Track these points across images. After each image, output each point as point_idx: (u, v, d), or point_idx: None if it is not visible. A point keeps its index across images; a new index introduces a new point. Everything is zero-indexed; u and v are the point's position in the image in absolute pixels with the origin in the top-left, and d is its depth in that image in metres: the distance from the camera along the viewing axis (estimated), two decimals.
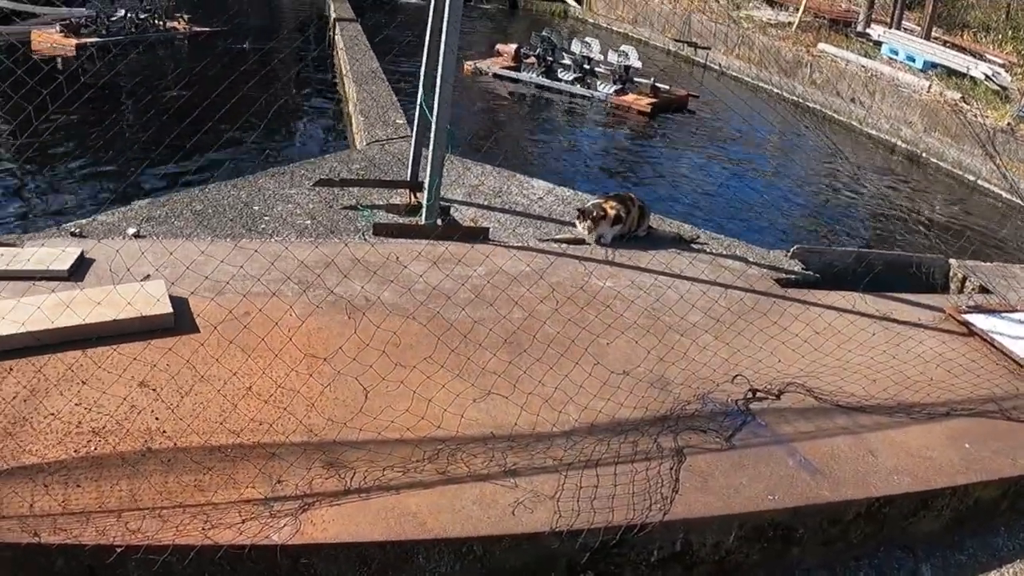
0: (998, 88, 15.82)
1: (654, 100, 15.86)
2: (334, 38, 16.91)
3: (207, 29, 17.74)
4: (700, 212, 10.84)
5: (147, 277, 5.12)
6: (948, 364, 5.41)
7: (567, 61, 16.80)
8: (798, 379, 4.97)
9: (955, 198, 13.80)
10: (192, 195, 6.89)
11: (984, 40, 20.18)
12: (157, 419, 3.93)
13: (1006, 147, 13.79)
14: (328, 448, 3.88)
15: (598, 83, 16.27)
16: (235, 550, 3.27)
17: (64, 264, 5.17)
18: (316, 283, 5.30)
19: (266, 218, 6.58)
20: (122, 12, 16.66)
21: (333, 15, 18.38)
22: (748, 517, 3.88)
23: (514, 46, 17.73)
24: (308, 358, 4.57)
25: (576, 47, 16.83)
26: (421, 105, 7.01)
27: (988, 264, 7.73)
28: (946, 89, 15.84)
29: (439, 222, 6.59)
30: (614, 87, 16.08)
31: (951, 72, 16.72)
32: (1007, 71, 16.83)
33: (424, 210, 6.56)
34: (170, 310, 4.73)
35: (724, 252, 6.92)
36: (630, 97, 15.96)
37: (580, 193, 8.08)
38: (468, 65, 17.10)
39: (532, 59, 17.18)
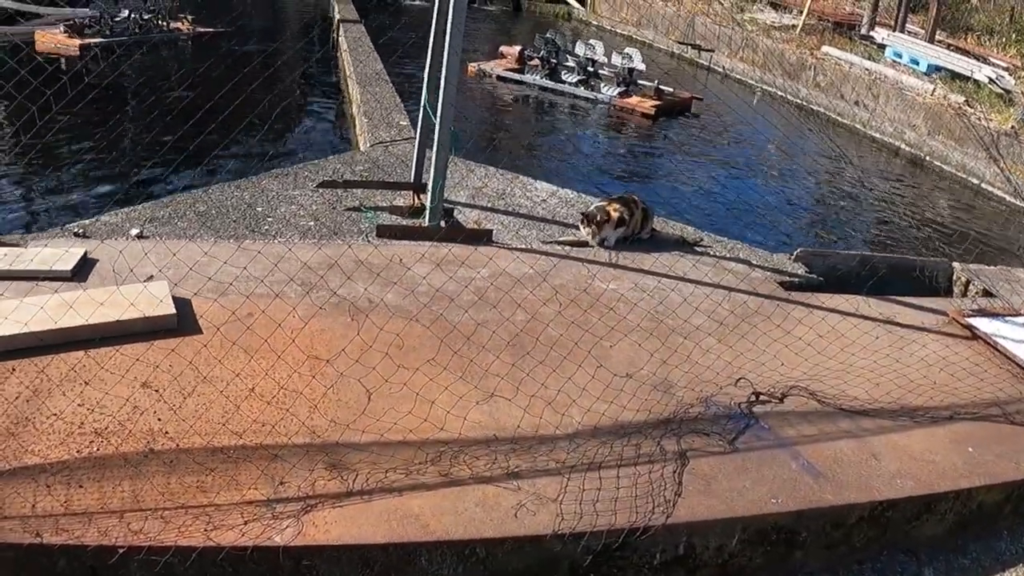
0: (1002, 91, 15.80)
1: (658, 103, 15.85)
2: (338, 39, 16.93)
3: (211, 30, 17.76)
4: (703, 215, 10.83)
5: (150, 278, 5.12)
6: (951, 368, 5.40)
7: (571, 63, 16.81)
8: (801, 382, 4.96)
9: (959, 201, 13.79)
10: (195, 196, 6.89)
11: (988, 43, 20.15)
12: (160, 420, 3.93)
13: (1010, 150, 13.77)
14: (331, 450, 3.88)
15: (602, 85, 16.27)
16: (237, 551, 3.26)
17: (67, 264, 5.18)
18: (319, 285, 5.30)
19: (269, 219, 6.58)
20: (126, 13, 16.70)
21: (337, 16, 18.41)
22: (751, 520, 3.87)
23: (518, 48, 17.74)
24: (311, 360, 4.56)
25: (580, 49, 16.84)
26: (425, 107, 7.01)
27: (992, 268, 7.71)
28: (950, 92, 15.83)
29: (443, 224, 6.59)
30: (618, 89, 16.08)
31: (955, 75, 16.70)
32: (1011, 74, 16.81)
33: (428, 212, 6.56)
34: (173, 311, 4.73)
35: (727, 255, 6.91)
36: (634, 99, 15.97)
37: (583, 195, 8.08)
38: (472, 67, 17.11)
39: (536, 61, 17.19)
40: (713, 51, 20.75)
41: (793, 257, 6.99)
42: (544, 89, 16.86)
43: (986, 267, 7.66)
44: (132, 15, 16.73)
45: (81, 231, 5.91)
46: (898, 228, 11.79)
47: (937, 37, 19.22)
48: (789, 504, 3.96)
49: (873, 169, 14.91)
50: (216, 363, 4.37)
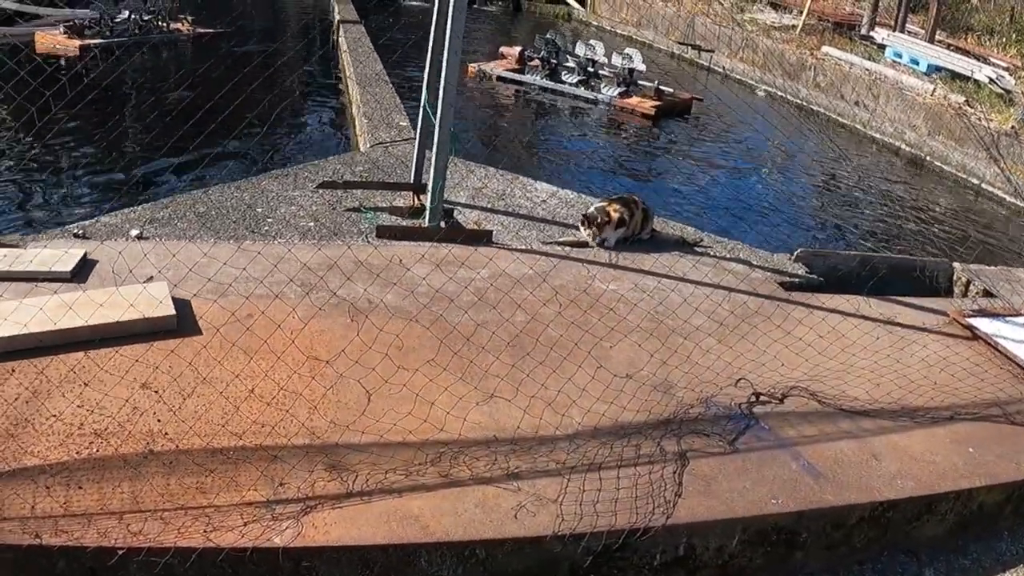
0: (1002, 91, 15.79)
1: (658, 103, 15.84)
2: (338, 40, 16.93)
3: (211, 31, 17.77)
4: (703, 215, 10.83)
5: (150, 279, 5.11)
6: (952, 368, 5.39)
7: (571, 64, 16.80)
8: (801, 383, 4.95)
9: (959, 201, 13.78)
10: (195, 197, 6.89)
11: (988, 43, 20.14)
12: (159, 421, 3.93)
13: (1010, 150, 13.77)
14: (330, 451, 3.87)
15: (602, 86, 16.26)
16: (237, 553, 3.26)
17: (67, 265, 5.18)
18: (319, 285, 5.29)
19: (269, 220, 6.58)
20: (126, 14, 16.70)
21: (337, 17, 18.41)
22: (751, 521, 3.87)
23: (518, 48, 17.74)
24: (311, 360, 4.56)
25: (580, 50, 16.83)
26: (424, 107, 7.01)
27: (992, 268, 7.71)
28: (950, 92, 15.82)
29: (442, 225, 6.59)
30: (618, 90, 16.07)
31: (955, 75, 16.69)
32: (1011, 74, 16.80)
33: (427, 212, 6.56)
34: (173, 312, 4.73)
35: (727, 255, 6.91)
36: (634, 100, 15.96)
37: (583, 196, 8.08)
38: (472, 67, 17.11)
39: (536, 61, 17.19)
40: (713, 51, 20.76)
41: (793, 257, 6.99)
42: (544, 90, 16.85)
43: (986, 267, 7.65)
44: (132, 16, 16.73)
45: (81, 232, 5.91)
46: (898, 228, 11.79)
47: (937, 37, 19.21)
48: (789, 505, 3.95)
49: (873, 169, 14.90)
50: (216, 364, 4.37)
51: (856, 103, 17.07)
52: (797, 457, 4.29)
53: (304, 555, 3.35)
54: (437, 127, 6.30)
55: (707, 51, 20.81)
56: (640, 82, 16.28)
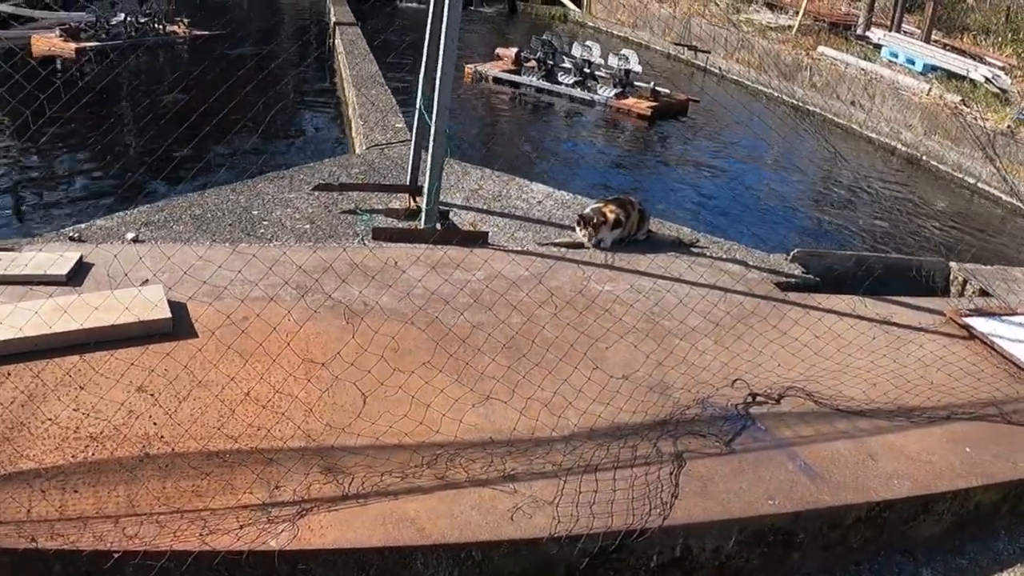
0: (998, 91, 15.82)
1: (654, 104, 15.85)
2: (334, 42, 16.93)
3: (207, 33, 17.75)
4: (700, 216, 10.84)
5: (145, 282, 5.11)
6: (948, 368, 5.40)
7: (567, 65, 16.80)
8: (798, 383, 4.96)
9: (955, 201, 13.79)
10: (191, 200, 6.88)
11: (984, 43, 20.17)
12: (155, 424, 3.93)
13: (1006, 150, 13.79)
14: (326, 453, 3.87)
15: (598, 87, 16.27)
16: (233, 556, 3.25)
17: (62, 269, 5.17)
18: (314, 288, 5.29)
19: (265, 222, 6.57)
20: (122, 16, 16.69)
21: (333, 19, 18.41)
22: (748, 522, 3.87)
23: (514, 50, 17.73)
24: (306, 363, 4.56)
25: (577, 51, 16.84)
26: (420, 109, 7.00)
27: (988, 267, 7.71)
28: (946, 92, 15.84)
29: (438, 226, 6.58)
30: (614, 91, 16.07)
31: (951, 75, 16.72)
32: (1007, 74, 16.83)
33: (423, 214, 6.56)
34: (168, 315, 4.73)
35: (724, 256, 6.91)
36: (630, 101, 15.96)
37: (579, 197, 8.07)
38: (468, 69, 17.11)
39: (532, 63, 17.19)
40: (709, 52, 20.76)
41: (789, 258, 6.99)
42: (540, 91, 16.85)
43: (982, 267, 7.66)
44: (128, 19, 16.72)
45: (77, 235, 5.91)
46: (895, 228, 11.80)
47: (933, 37, 19.25)
48: (786, 505, 3.95)
49: (869, 169, 14.91)
50: (211, 367, 4.37)
51: (852, 103, 17.09)
52: (794, 457, 4.29)
53: (300, 558, 3.34)
54: (433, 129, 6.29)
55: (703, 52, 20.82)
56: (636, 83, 16.29)
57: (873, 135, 16.26)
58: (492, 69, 17.31)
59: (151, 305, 4.74)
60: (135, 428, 3.88)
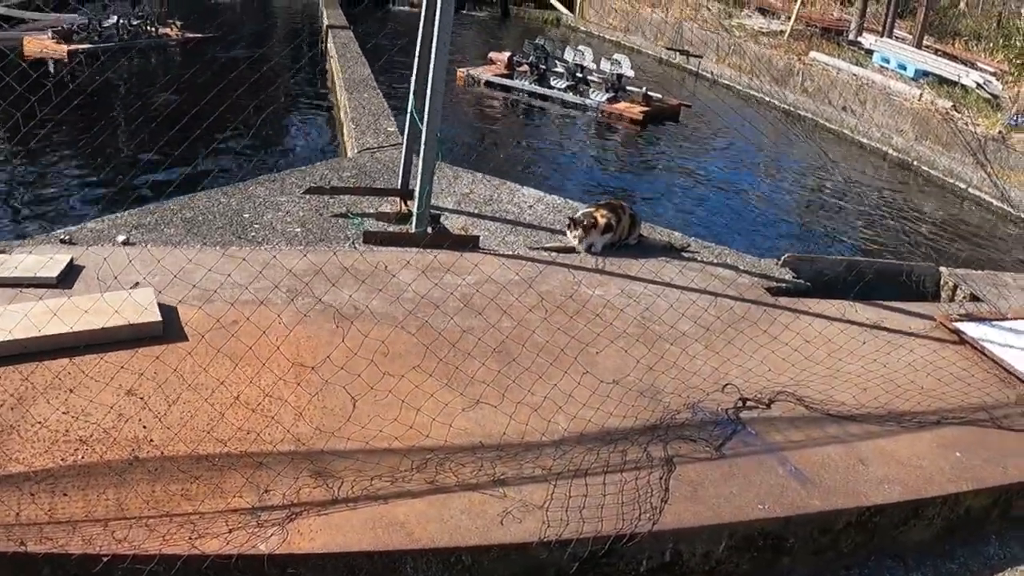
0: (989, 96, 15.89)
1: (646, 108, 15.88)
2: (326, 46, 16.92)
3: (199, 35, 17.74)
4: (691, 220, 10.86)
5: (136, 285, 5.10)
6: (939, 373, 5.41)
7: (560, 69, 16.82)
8: (788, 388, 4.96)
9: (946, 206, 13.84)
10: (182, 203, 6.87)
11: (975, 48, 20.28)
12: (144, 428, 3.92)
13: (997, 155, 13.84)
14: (316, 457, 3.86)
15: (591, 91, 16.29)
16: (222, 560, 3.24)
17: (53, 271, 5.16)
18: (305, 291, 5.28)
19: (256, 226, 6.56)
20: (114, 18, 16.67)
21: (325, 23, 18.41)
22: (738, 526, 3.87)
23: (507, 54, 17.75)
24: (296, 367, 4.55)
25: (569, 55, 16.85)
26: (412, 113, 7.00)
27: (979, 272, 7.73)
28: (937, 97, 15.90)
29: (429, 230, 6.58)
30: (606, 95, 16.10)
31: (942, 80, 16.79)
32: (998, 79, 16.92)
33: (414, 218, 6.56)
34: (158, 318, 4.72)
35: (714, 260, 6.92)
36: (622, 105, 15.98)
37: (570, 201, 8.08)
38: (460, 72, 17.13)
39: (525, 67, 17.20)
40: (701, 57, 20.81)
41: (780, 262, 7.01)
42: (533, 95, 16.87)
43: (973, 271, 7.68)
44: (120, 21, 16.70)
45: (67, 237, 5.89)
46: (885, 233, 11.83)
47: (925, 42, 19.33)
48: (776, 510, 3.96)
49: (860, 174, 14.95)
50: (201, 370, 4.36)
51: (843, 108, 17.14)
52: (784, 462, 4.29)
53: (289, 562, 3.33)
54: (424, 132, 6.30)
55: (695, 56, 20.86)
56: (628, 88, 16.31)
57: (864, 140, 16.31)
58: (484, 73, 17.33)
59: (141, 308, 4.73)
60: (124, 431, 3.87)
